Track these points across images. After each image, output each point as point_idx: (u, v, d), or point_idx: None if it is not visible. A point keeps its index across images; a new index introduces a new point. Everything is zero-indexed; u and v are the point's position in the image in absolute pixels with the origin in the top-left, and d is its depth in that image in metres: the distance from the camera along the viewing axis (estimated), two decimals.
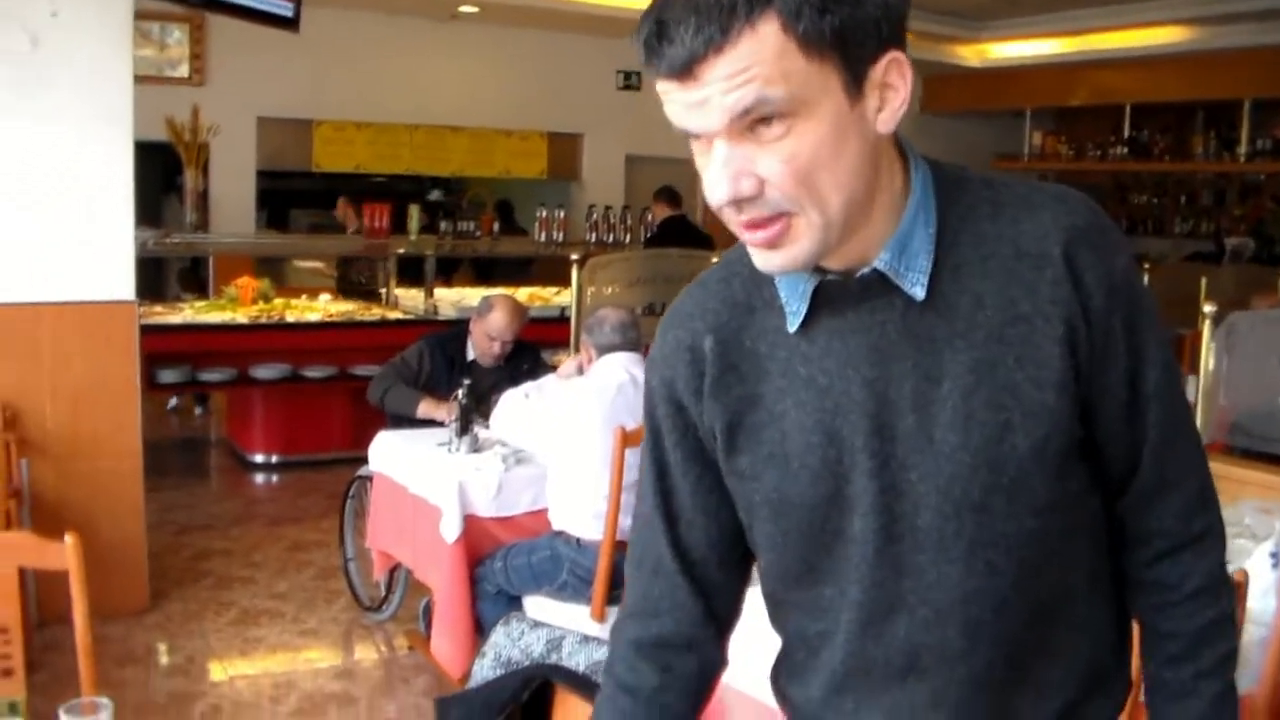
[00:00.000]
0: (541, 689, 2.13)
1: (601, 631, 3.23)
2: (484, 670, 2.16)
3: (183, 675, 5.08)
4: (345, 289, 9.56)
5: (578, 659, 2.10)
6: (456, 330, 5.88)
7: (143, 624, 5.50)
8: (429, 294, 8.81)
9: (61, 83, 5.28)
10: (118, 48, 5.40)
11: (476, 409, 4.89)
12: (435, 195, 11.25)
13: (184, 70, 11.38)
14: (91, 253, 5.40)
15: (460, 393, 4.85)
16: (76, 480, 5.42)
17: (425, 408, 5.39)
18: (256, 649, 5.36)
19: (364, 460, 5.42)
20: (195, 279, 10.82)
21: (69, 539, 2.68)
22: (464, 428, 4.81)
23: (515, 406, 4.70)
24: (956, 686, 1.45)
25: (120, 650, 5.19)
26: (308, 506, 7.44)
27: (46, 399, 5.36)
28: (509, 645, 2.16)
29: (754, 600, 1.58)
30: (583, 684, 2.06)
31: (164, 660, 5.23)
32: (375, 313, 8.68)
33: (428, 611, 5.24)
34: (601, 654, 2.09)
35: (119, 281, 5.46)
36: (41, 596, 4.65)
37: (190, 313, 8.16)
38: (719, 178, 1.26)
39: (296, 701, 4.84)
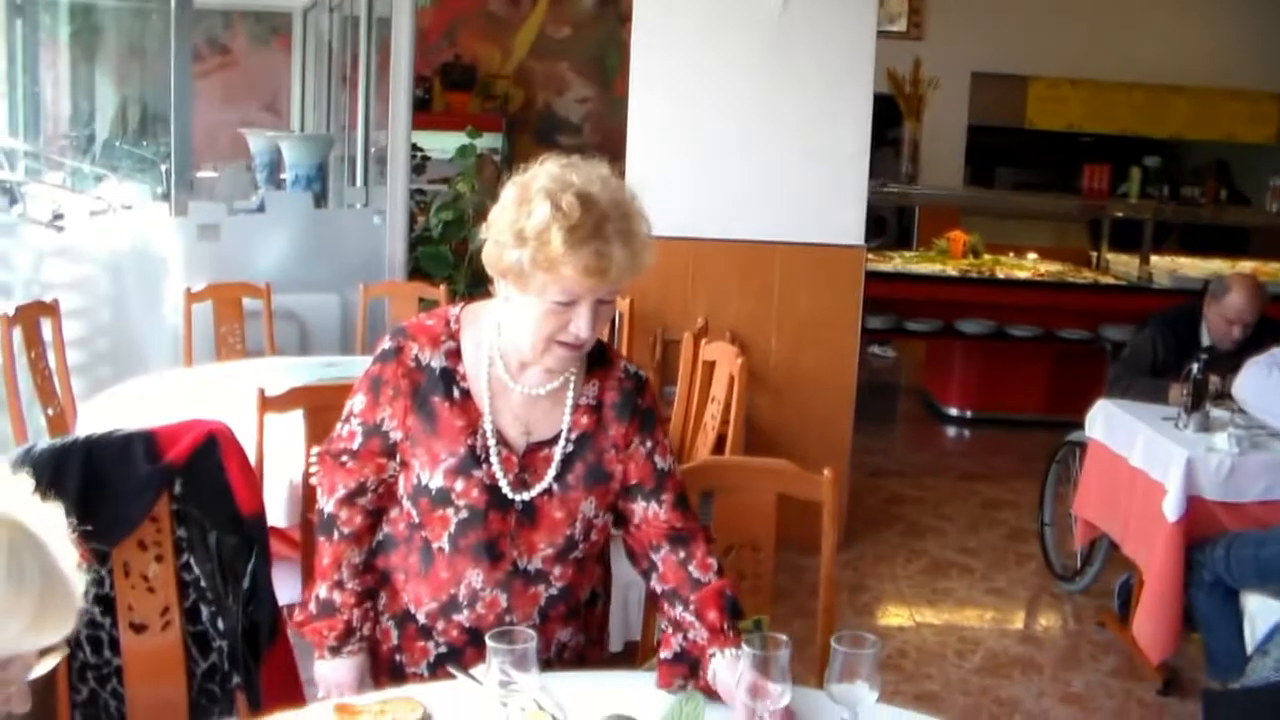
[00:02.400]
0: None
1: None
2: (1265, 670, 1.96)
3: (870, 615, 5.18)
4: None
5: None
6: (1185, 310, 5.39)
7: (837, 560, 5.64)
8: (1144, 260, 8.38)
9: (805, 40, 5.51)
10: (861, 5, 5.54)
11: (1210, 388, 4.54)
12: (1153, 161, 10.68)
13: (902, 24, 11.55)
14: (827, 198, 5.62)
15: (1194, 366, 4.54)
16: (791, 412, 5.67)
17: (1175, 394, 4.86)
18: (945, 600, 5.37)
19: (1062, 425, 5.25)
20: (896, 228, 11.02)
21: (827, 473, 2.75)
22: (1195, 403, 4.50)
23: (1262, 375, 4.31)
24: None
25: (815, 582, 5.35)
26: (1000, 465, 7.36)
27: (772, 333, 5.63)
28: None
29: None
30: None
31: (855, 598, 5.35)
32: (1086, 276, 8.39)
33: (1125, 590, 5.01)
34: None
35: (850, 227, 5.64)
36: None
37: (900, 261, 8.28)
38: None
39: (981, 659, 4.79)
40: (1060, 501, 5.47)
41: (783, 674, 1.97)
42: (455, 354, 2.31)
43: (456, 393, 2.29)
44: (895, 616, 5.21)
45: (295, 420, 3.34)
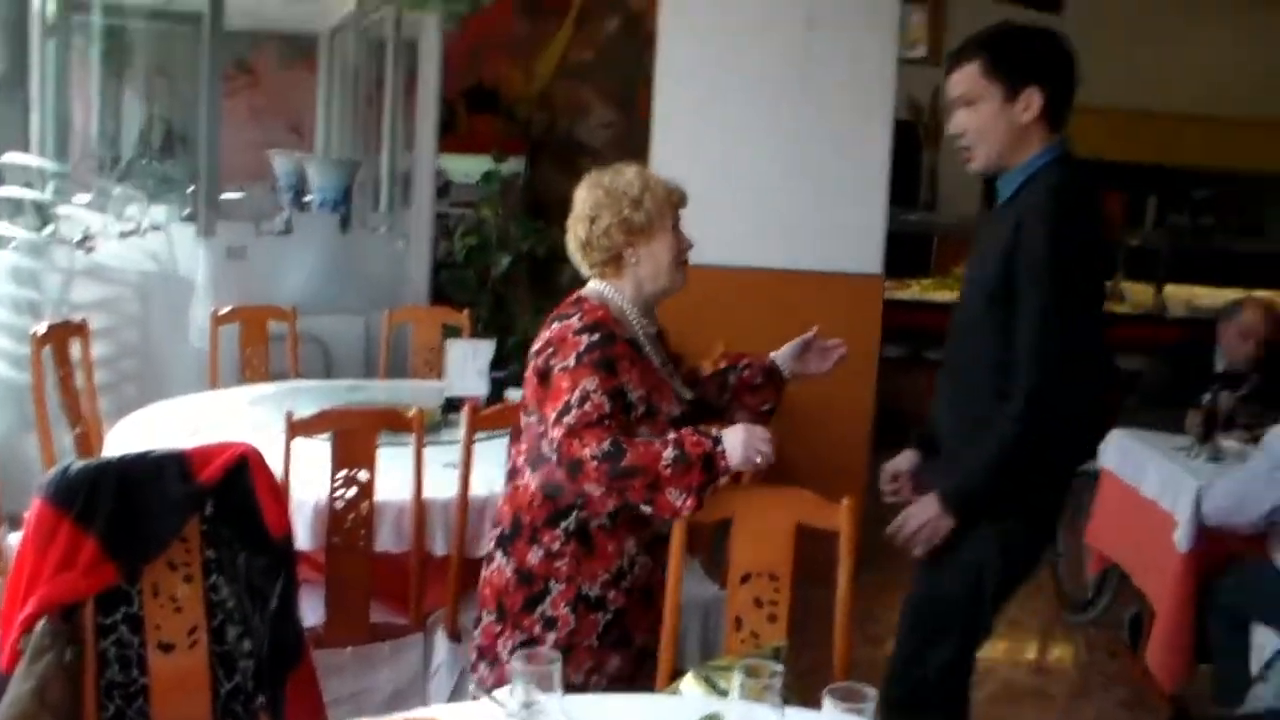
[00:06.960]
0: None
1: None
2: (1265, 697, 2.02)
3: (881, 645, 5.12)
4: None
5: None
6: (1192, 341, 5.41)
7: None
8: (1159, 290, 8.41)
9: (828, 67, 5.60)
10: (884, 30, 5.64)
11: (1222, 420, 4.57)
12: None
13: (922, 51, 11.57)
14: (846, 226, 5.66)
15: (1207, 396, 4.57)
16: (808, 441, 5.65)
17: (1192, 420, 4.78)
18: None
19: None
20: (916, 256, 11.05)
21: (846, 502, 2.80)
22: (1206, 434, 4.54)
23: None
24: None
25: (826, 611, 5.36)
26: None
27: None
28: None
29: None
30: None
31: (865, 628, 5.35)
32: None
33: (1135, 623, 5.03)
34: None
35: (869, 256, 5.67)
36: None
37: (917, 290, 8.33)
38: None
39: (993, 688, 4.81)
40: (1073, 532, 5.48)
41: None
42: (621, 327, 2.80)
43: (639, 354, 2.81)
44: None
45: (318, 445, 3.40)
